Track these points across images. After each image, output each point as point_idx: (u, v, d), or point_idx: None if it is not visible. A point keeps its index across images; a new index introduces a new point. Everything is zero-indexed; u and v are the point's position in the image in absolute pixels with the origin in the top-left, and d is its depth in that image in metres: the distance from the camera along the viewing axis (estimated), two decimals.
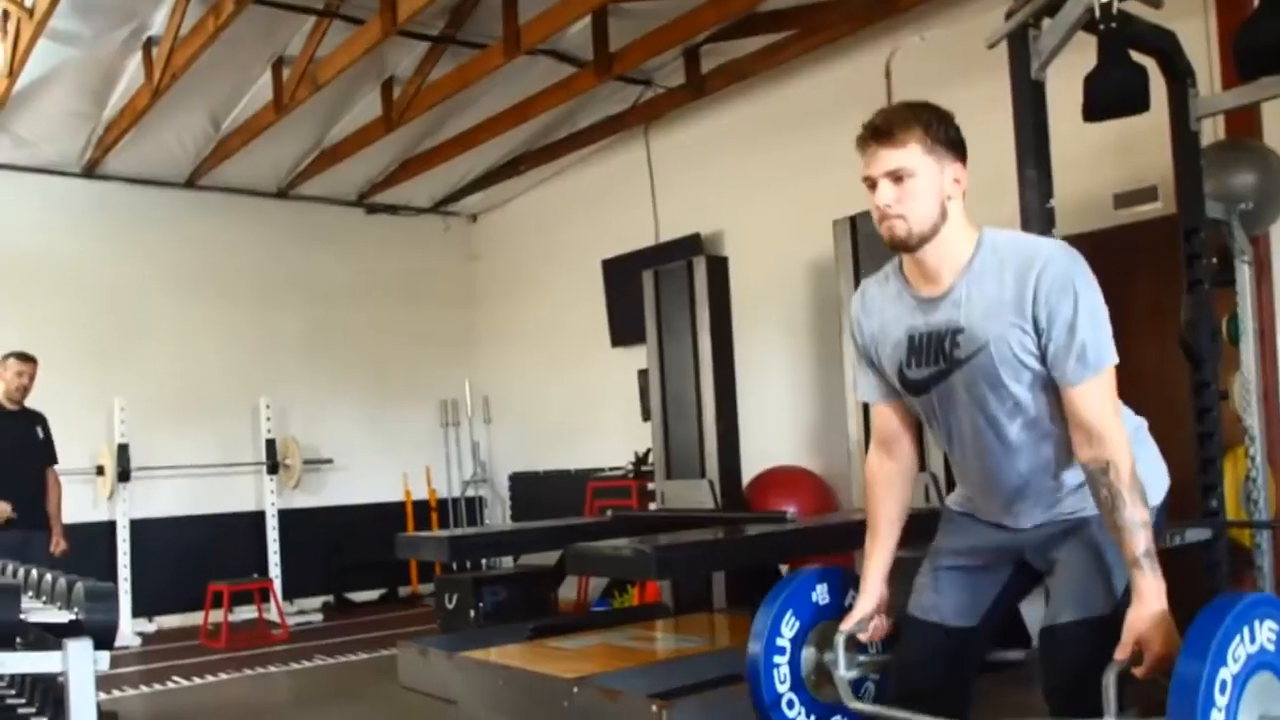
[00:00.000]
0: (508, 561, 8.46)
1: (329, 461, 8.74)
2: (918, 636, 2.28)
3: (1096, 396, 2.01)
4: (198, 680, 5.97)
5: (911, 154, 2.04)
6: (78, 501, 7.58)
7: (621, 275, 7.63)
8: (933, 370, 2.14)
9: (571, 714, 4.10)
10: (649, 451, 6.92)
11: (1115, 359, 2.04)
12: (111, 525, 7.71)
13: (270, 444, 8.41)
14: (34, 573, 2.68)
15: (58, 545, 5.67)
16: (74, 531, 5.86)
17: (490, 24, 5.92)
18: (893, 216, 2.06)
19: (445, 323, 9.64)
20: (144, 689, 5.78)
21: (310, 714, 5.16)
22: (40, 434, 5.85)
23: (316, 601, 8.53)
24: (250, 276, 8.65)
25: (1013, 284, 2.02)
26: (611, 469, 7.82)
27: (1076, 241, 5.49)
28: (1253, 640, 1.76)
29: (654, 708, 3.76)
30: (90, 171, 7.87)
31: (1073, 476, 2.13)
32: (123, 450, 7.67)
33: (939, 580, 2.29)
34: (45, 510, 5.72)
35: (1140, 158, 4.71)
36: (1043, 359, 2.03)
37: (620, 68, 6.30)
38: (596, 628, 5.53)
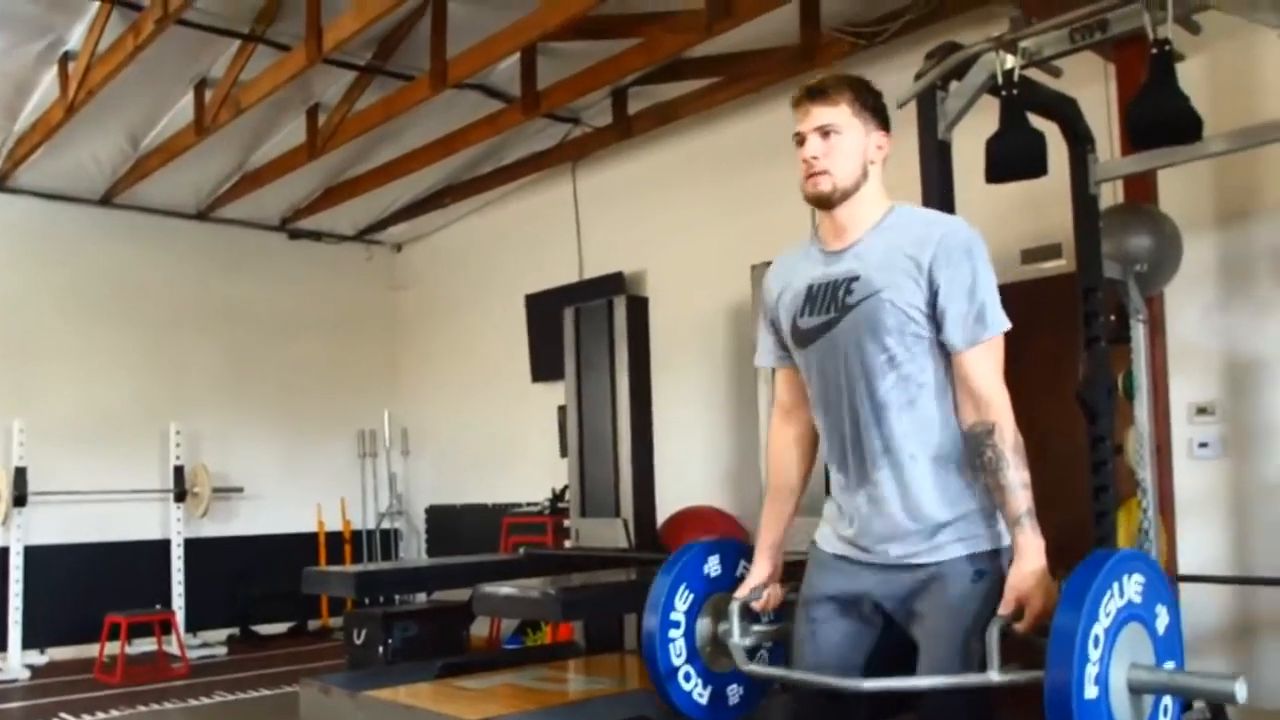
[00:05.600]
0: (422, 596, 8.35)
1: (239, 490, 8.55)
2: (806, 696, 2.29)
3: (986, 361, 2.10)
4: (86, 717, 5.76)
5: (841, 113, 2.17)
6: None
7: (544, 311, 7.63)
8: (823, 319, 2.21)
9: None
10: (566, 488, 6.90)
11: (1007, 325, 2.12)
12: (4, 552, 7.43)
13: (179, 471, 8.20)
14: None
15: None
16: None
17: (418, 56, 5.92)
18: (818, 171, 2.17)
19: (366, 352, 9.53)
20: None
21: None
22: None
23: (221, 634, 8.31)
24: (165, 299, 8.48)
25: (914, 240, 2.13)
26: (528, 505, 7.78)
27: None
28: (1121, 594, 1.88)
29: None
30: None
31: (933, 475, 2.14)
32: (20, 474, 7.41)
33: (816, 635, 2.29)
34: None
35: (1047, 216, 4.86)
36: (931, 316, 2.10)
37: (548, 105, 6.33)
38: (506, 667, 5.47)
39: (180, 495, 8.19)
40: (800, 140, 2.20)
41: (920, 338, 2.11)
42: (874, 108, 2.21)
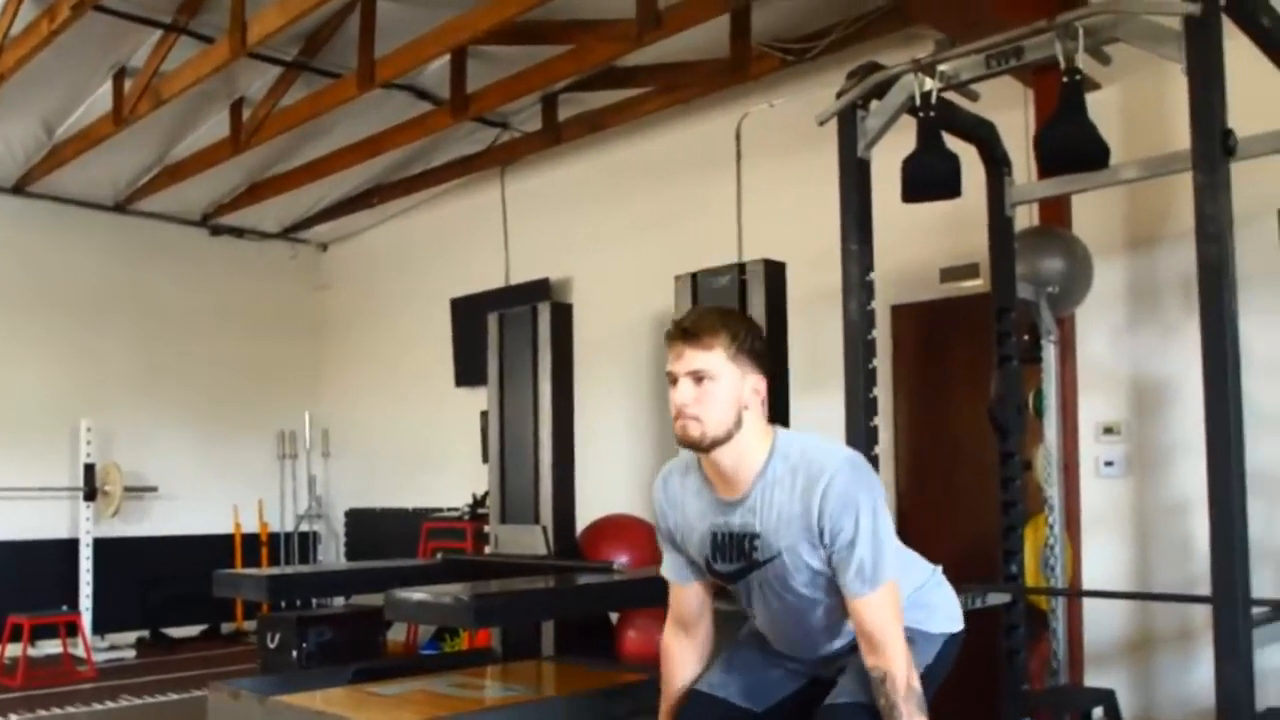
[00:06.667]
0: (339, 600, 8.23)
1: (153, 489, 8.35)
2: (699, 709, 2.31)
3: (875, 608, 2.08)
4: None
5: (715, 358, 2.09)
6: None
7: (470, 315, 7.57)
8: (737, 566, 2.20)
9: None
10: (487, 494, 6.85)
11: (894, 574, 2.11)
12: None
13: (89, 469, 7.99)
14: None
15: None
16: None
17: (346, 54, 5.85)
18: (688, 416, 2.10)
19: (288, 352, 9.37)
20: None
21: None
22: None
23: (131, 637, 8.12)
24: (79, 292, 8.26)
25: (801, 497, 2.09)
26: (449, 510, 7.72)
27: (905, 311, 5.71)
28: None
29: None
30: None
31: None
32: None
33: (732, 661, 2.36)
34: None
35: (966, 236, 4.94)
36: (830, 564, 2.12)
37: (477, 109, 6.30)
38: (421, 672, 5.41)
39: (90, 494, 7.97)
40: (672, 380, 2.13)
41: (831, 580, 2.13)
42: (752, 351, 2.13)
